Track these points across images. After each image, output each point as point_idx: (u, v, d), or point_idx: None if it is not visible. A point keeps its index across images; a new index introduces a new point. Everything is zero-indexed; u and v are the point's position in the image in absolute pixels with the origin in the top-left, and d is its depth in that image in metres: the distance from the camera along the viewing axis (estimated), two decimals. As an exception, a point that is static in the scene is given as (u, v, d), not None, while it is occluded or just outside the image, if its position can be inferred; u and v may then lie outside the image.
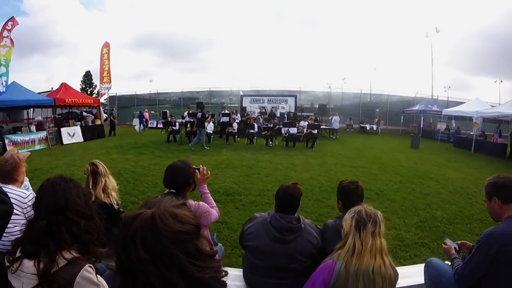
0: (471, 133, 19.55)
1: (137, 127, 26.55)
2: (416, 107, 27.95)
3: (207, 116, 17.02)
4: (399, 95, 34.94)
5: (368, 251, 2.00)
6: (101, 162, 3.56)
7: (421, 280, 3.16)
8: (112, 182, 3.52)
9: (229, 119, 19.46)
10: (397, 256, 4.85)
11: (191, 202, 2.94)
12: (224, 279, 1.09)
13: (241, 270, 3.14)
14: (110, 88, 23.42)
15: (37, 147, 14.80)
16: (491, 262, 2.31)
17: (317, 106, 29.48)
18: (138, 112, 28.33)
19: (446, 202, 7.48)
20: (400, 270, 3.54)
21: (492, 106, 20.77)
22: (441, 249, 4.97)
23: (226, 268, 2.99)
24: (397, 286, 3.19)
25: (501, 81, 36.20)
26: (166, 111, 25.95)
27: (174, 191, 2.85)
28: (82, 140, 17.69)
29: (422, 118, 26.21)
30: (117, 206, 3.43)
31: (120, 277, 0.99)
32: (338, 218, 2.82)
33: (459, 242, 2.94)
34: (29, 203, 2.69)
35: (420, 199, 7.91)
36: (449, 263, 3.11)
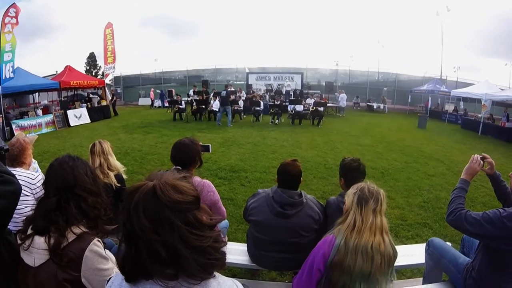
0: (479, 115, 19.21)
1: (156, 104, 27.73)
2: (425, 87, 27.41)
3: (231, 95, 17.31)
4: (408, 74, 34.38)
5: (368, 228, 2.02)
6: (104, 142, 3.54)
7: (422, 259, 3.18)
8: (110, 162, 3.49)
9: (235, 96, 19.29)
10: (399, 235, 4.89)
11: (197, 178, 2.95)
12: (224, 249, 1.12)
13: (246, 245, 3.22)
14: (114, 68, 23.30)
15: (45, 130, 14.81)
16: (493, 238, 2.27)
17: (323, 83, 29.21)
18: (160, 91, 28.78)
19: (450, 184, 7.40)
20: (402, 248, 3.59)
21: (502, 90, 20.35)
22: (443, 230, 5.06)
23: (231, 243, 3.03)
24: (398, 264, 3.25)
25: (512, 64, 35.30)
26: (171, 90, 25.90)
27: (180, 168, 2.84)
28: (89, 121, 17.69)
29: (430, 98, 25.82)
30: (118, 185, 3.39)
31: (124, 245, 1.06)
32: (340, 195, 2.85)
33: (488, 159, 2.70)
34: (38, 184, 2.76)
35: (425, 180, 7.92)
36: (450, 244, 3.12)
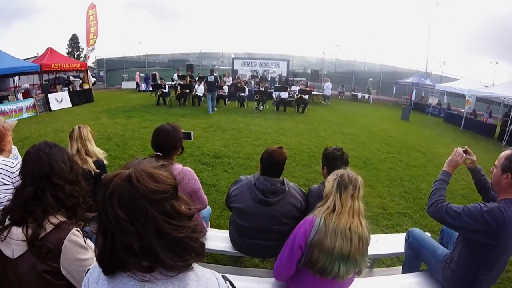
0: (462, 110, 19.62)
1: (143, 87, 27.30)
2: (410, 80, 27.76)
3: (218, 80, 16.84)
4: (393, 66, 34.65)
5: (346, 212, 2.08)
6: (84, 127, 3.43)
7: (401, 248, 3.22)
8: (88, 147, 3.38)
9: (220, 82, 19.01)
10: (380, 224, 4.94)
11: (178, 165, 2.88)
12: (202, 239, 1.09)
13: (228, 231, 3.20)
14: (93, 49, 22.56)
15: (25, 115, 14.29)
16: (473, 231, 2.29)
17: (309, 71, 29.20)
18: (145, 75, 28.31)
19: (431, 175, 7.55)
20: (382, 238, 3.62)
21: (486, 86, 20.75)
22: (423, 220, 5.13)
23: (214, 230, 3.00)
24: (378, 253, 3.28)
25: (497, 63, 35.93)
26: (155, 74, 25.46)
27: (161, 154, 2.78)
28: (70, 105, 17.14)
29: (414, 90, 26.12)
30: (98, 171, 3.30)
31: (100, 236, 1.02)
32: (322, 183, 2.83)
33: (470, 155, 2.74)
34: (17, 172, 2.65)
35: (406, 170, 8.03)
36: (429, 235, 3.15)
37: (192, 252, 1.03)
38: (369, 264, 2.19)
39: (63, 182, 1.71)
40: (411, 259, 3.07)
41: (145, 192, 0.96)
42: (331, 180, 2.19)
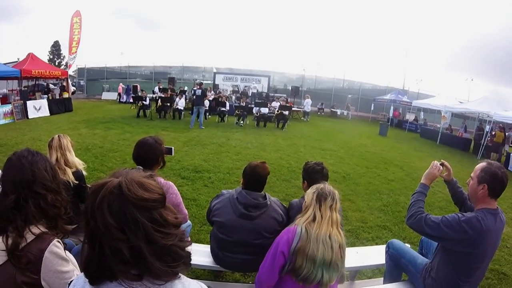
0: (438, 125, 20.19)
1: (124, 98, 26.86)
2: (387, 96, 28.46)
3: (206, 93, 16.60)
4: (372, 83, 35.50)
5: (326, 221, 2.17)
6: (64, 136, 3.37)
7: (382, 260, 3.25)
8: (68, 157, 3.30)
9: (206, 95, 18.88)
10: (360, 237, 4.95)
11: (159, 179, 2.84)
12: (188, 248, 1.10)
13: (209, 246, 3.18)
14: (75, 58, 22.19)
15: (2, 121, 13.89)
16: (452, 241, 2.35)
17: (290, 88, 29.53)
18: (127, 86, 27.83)
19: (409, 189, 7.68)
20: (363, 250, 3.65)
21: (461, 102, 21.42)
22: (402, 232, 5.20)
23: (195, 244, 2.94)
24: (359, 265, 3.30)
25: (472, 79, 37.28)
26: (136, 85, 25.27)
27: (142, 168, 2.75)
28: (48, 114, 16.75)
29: (392, 107, 26.72)
30: (76, 182, 3.23)
31: (88, 244, 1.01)
32: (303, 197, 2.84)
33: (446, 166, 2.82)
34: None
35: (385, 184, 8.14)
36: (408, 246, 3.19)
37: (179, 260, 1.03)
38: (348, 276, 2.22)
39: (45, 191, 1.68)
40: (392, 270, 3.10)
41: (135, 200, 0.96)
42: (310, 193, 2.27)
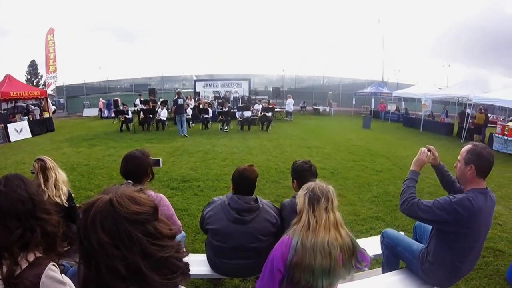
0: (420, 113, 20.53)
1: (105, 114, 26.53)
2: (368, 89, 28.83)
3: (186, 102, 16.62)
4: (351, 78, 35.88)
5: (322, 227, 2.04)
6: (47, 157, 3.31)
7: (378, 250, 3.26)
8: (61, 175, 3.30)
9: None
10: (354, 229, 4.97)
11: (149, 192, 2.81)
12: (186, 259, 1.09)
13: (205, 255, 3.17)
14: (56, 77, 21.95)
15: None
16: (446, 223, 2.39)
17: (271, 89, 29.60)
18: (107, 101, 27.46)
19: (397, 178, 7.78)
20: (358, 242, 3.64)
21: (440, 89, 21.81)
22: (395, 221, 5.23)
23: (190, 254, 2.89)
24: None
25: (449, 65, 38.03)
26: (117, 99, 24.95)
27: (131, 182, 2.72)
28: (30, 135, 16.37)
29: (373, 99, 27.03)
30: (67, 202, 3.19)
31: (83, 264, 1.00)
32: (294, 197, 2.84)
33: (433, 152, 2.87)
34: None
35: (373, 176, 8.21)
36: (402, 233, 3.22)
37: (177, 271, 1.02)
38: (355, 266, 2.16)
39: (46, 215, 1.67)
40: (389, 259, 3.12)
41: (127, 214, 0.96)
42: (301, 196, 2.16)
